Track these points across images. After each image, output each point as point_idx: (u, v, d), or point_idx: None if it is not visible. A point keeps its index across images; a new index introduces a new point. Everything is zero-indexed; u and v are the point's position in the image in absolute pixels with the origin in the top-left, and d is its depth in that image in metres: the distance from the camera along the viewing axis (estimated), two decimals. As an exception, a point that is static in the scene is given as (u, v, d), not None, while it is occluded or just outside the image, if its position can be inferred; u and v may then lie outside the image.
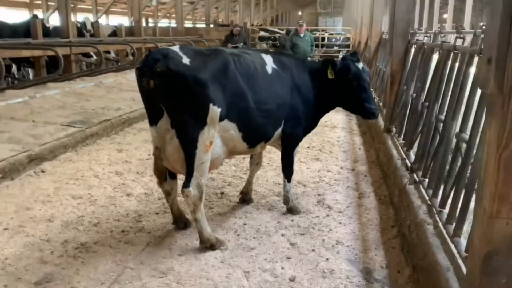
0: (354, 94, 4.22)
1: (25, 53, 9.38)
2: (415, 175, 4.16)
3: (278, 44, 20.18)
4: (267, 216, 4.56)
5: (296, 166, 6.10)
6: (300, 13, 74.39)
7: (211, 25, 22.44)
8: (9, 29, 11.87)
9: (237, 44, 13.48)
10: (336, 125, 9.18)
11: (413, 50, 5.56)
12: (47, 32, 12.08)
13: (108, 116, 8.19)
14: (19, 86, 9.19)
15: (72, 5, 32.92)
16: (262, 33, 23.18)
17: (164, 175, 3.95)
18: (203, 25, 28.19)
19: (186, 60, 3.41)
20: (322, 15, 59.16)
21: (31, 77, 11.53)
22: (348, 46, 22.74)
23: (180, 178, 3.96)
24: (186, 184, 3.60)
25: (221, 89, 3.54)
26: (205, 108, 3.44)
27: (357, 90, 4.19)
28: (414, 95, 4.96)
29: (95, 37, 12.98)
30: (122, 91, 11.27)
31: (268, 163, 6.33)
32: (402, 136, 5.29)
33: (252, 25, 27.26)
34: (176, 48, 3.58)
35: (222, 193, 5.19)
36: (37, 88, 9.67)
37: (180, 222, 4.22)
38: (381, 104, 7.86)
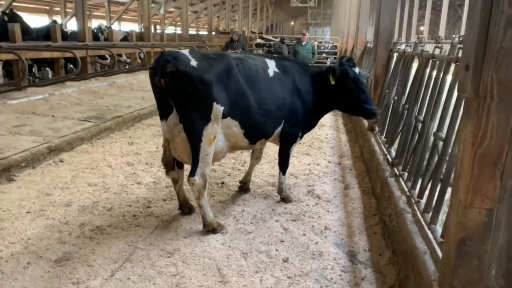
0: (354, 96, 4.17)
1: (46, 54, 9.30)
2: (395, 169, 4.17)
3: (273, 50, 20.15)
4: (263, 204, 4.56)
5: (288, 160, 6.15)
6: (292, 23, 74.39)
7: (213, 33, 22.33)
8: (32, 32, 11.77)
9: (236, 50, 13.45)
10: (325, 124, 9.18)
11: (395, 57, 5.56)
12: (65, 36, 11.99)
13: (120, 112, 8.14)
14: (40, 84, 9.10)
15: (88, 12, 32.78)
16: (258, 40, 23.13)
17: (171, 165, 3.94)
18: (206, 32, 28.10)
19: (193, 63, 3.45)
20: (313, 25, 59.16)
21: (50, 76, 11.45)
22: (335, 53, 22.73)
23: (187, 169, 3.96)
24: (192, 174, 3.62)
25: (224, 89, 3.55)
26: (209, 106, 3.47)
27: (356, 93, 4.15)
28: (396, 97, 4.96)
29: (109, 41, 12.88)
30: (133, 90, 11.21)
31: (263, 156, 6.32)
32: (384, 135, 5.30)
33: (252, 32, 27.13)
34: (185, 51, 3.59)
35: (222, 183, 5.19)
36: (56, 87, 9.59)
37: (186, 208, 4.22)
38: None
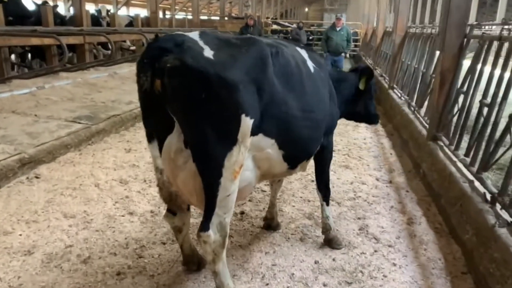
0: (371, 102, 3.76)
1: (34, 40, 8.05)
2: (505, 213, 2.83)
3: (290, 37, 18.73)
4: (301, 251, 3.28)
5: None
6: (306, 9, 72.46)
7: (225, 18, 20.94)
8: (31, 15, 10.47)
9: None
10: (359, 123, 7.80)
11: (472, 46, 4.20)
12: (63, 20, 10.73)
13: (118, 110, 6.89)
14: (26, 75, 7.87)
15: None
16: (274, 27, 21.67)
17: (175, 201, 2.59)
18: (218, 18, 26.68)
19: (208, 53, 2.16)
20: (328, 11, 57.45)
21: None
22: (356, 40, 21.18)
23: (196, 211, 2.68)
24: (204, 226, 2.32)
25: (256, 93, 2.29)
26: (235, 120, 2.20)
27: (372, 99, 3.78)
28: (485, 101, 3.59)
29: (111, 27, 11.61)
30: (136, 82, 9.92)
31: (292, 170, 5.03)
32: (464, 150, 3.94)
33: (268, 18, 25.65)
34: (194, 35, 2.28)
35: (242, 212, 3.91)
36: (47, 78, 8.38)
37: (193, 263, 2.95)
38: (413, 104, 6.48)
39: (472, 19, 21.45)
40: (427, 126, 5.25)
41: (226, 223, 2.39)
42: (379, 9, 12.67)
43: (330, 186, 4.55)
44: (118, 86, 9.16)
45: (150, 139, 2.36)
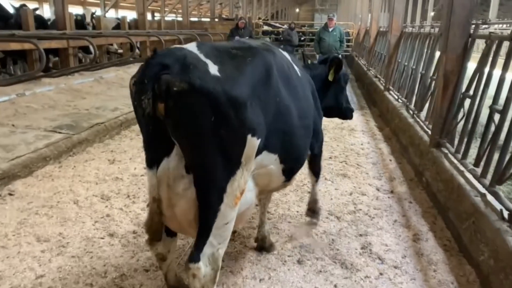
0: (342, 95, 3.69)
1: (9, 45, 7.65)
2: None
3: (282, 38, 18.44)
4: (299, 277, 2.97)
5: (321, 186, 4.54)
6: (297, 10, 72.35)
7: (216, 19, 20.60)
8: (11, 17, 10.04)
9: (243, 38, 11.77)
10: (354, 127, 7.54)
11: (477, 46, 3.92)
12: (45, 24, 10.33)
13: (102, 118, 6.52)
14: (5, 82, 7.48)
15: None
16: (265, 27, 21.37)
17: (159, 233, 2.20)
18: (208, 19, 26.32)
19: (213, 69, 1.93)
20: (319, 12, 57.49)
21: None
22: (348, 40, 20.94)
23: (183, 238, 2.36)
24: (194, 257, 2.03)
25: (261, 109, 2.10)
26: (241, 141, 2.01)
27: (344, 91, 3.72)
28: (496, 107, 3.29)
29: (96, 30, 11.22)
30: (123, 87, 9.55)
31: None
32: (471, 160, 3.65)
33: (259, 18, 25.35)
34: (192, 47, 2.04)
35: (233, 232, 3.58)
36: (29, 84, 7.96)
37: (178, 295, 2.62)
38: (412, 107, 6.20)
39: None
40: (429, 131, 4.96)
41: (219, 255, 2.09)
42: (372, 9, 12.44)
43: (328, 198, 4.29)
44: (104, 92, 8.79)
45: (151, 165, 2.00)
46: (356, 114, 8.74)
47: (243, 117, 1.95)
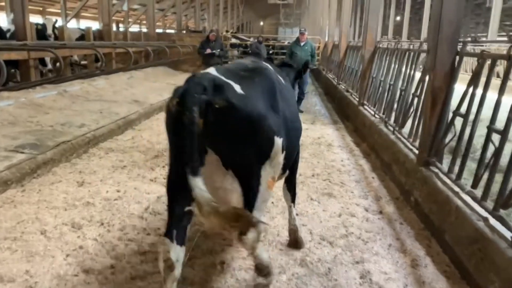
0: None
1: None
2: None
3: (250, 51, 18.34)
4: (300, 314, 2.71)
5: (308, 207, 4.36)
6: (261, 23, 73.12)
7: (183, 31, 20.27)
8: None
9: (214, 51, 11.54)
10: (331, 142, 7.43)
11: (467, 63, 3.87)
12: (2, 35, 9.71)
13: (68, 135, 6.07)
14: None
15: (41, 8, 29.73)
16: (233, 40, 21.23)
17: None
18: (173, 31, 25.94)
19: (238, 88, 2.43)
20: (283, 25, 58.38)
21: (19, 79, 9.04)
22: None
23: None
24: None
25: (276, 116, 2.62)
26: (270, 141, 2.55)
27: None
28: (491, 126, 3.21)
29: (59, 41, 10.66)
30: (88, 101, 9.08)
31: (272, 202, 4.49)
32: (466, 181, 3.55)
33: (227, 31, 25.20)
34: (213, 71, 2.52)
35: (222, 262, 3.31)
36: (-15, 99, 7.39)
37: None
38: (391, 123, 6.14)
39: (404, 37, 21.49)
40: (414, 149, 4.89)
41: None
42: (342, 24, 12.54)
43: (318, 221, 4.08)
44: (68, 106, 8.28)
45: (195, 173, 2.11)
46: (330, 129, 8.72)
47: (267, 123, 2.47)
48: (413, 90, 5.36)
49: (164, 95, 10.82)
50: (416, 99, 5.20)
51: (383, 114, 6.71)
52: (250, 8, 59.17)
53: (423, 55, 5.37)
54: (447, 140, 4.07)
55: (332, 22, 16.94)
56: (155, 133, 7.58)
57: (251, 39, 21.75)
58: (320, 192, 4.94)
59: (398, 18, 33.72)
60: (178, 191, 2.44)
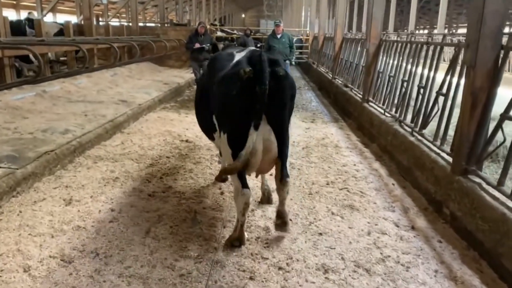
0: None
1: None
2: None
3: (236, 45, 17.70)
4: None
5: (331, 224, 3.87)
6: (243, 15, 72.26)
7: (166, 24, 19.46)
8: None
9: (203, 45, 10.90)
10: (337, 143, 6.93)
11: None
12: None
13: (51, 144, 5.41)
14: None
15: (14, 1, 28.40)
16: (219, 33, 20.53)
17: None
18: (153, 25, 25.03)
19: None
20: (265, 18, 57.86)
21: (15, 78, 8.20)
22: (301, 47, 20.70)
23: None
24: (286, 174, 3.44)
25: None
26: (293, 101, 3.42)
27: None
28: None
29: (37, 37, 9.86)
30: (71, 102, 8.37)
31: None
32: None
33: (212, 24, 24.45)
34: (263, 52, 3.14)
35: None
36: (-46, 103, 6.64)
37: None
38: (408, 123, 5.66)
39: (390, 28, 21.00)
40: (441, 153, 4.43)
41: None
42: (337, 16, 12.02)
43: (346, 243, 3.59)
44: (49, 109, 7.58)
45: (257, 128, 3.02)
46: (333, 128, 8.23)
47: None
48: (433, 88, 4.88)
49: (152, 94, 10.18)
50: (441, 98, 4.72)
51: (396, 112, 6.23)
52: (232, 0, 58.26)
53: (445, 49, 4.86)
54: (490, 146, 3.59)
55: (323, 14, 16.42)
56: (146, 137, 6.96)
57: (235, 31, 21.13)
58: (340, 204, 4.43)
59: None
60: (241, 147, 3.07)
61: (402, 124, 5.86)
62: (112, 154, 5.96)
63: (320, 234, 3.75)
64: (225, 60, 3.49)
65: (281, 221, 3.60)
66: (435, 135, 4.73)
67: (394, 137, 5.77)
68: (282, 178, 3.39)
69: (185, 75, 14.69)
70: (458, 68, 4.53)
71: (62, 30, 12.33)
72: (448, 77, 4.64)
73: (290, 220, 4.00)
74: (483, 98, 3.63)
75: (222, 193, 4.65)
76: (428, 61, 5.32)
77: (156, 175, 5.15)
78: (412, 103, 5.85)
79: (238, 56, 3.42)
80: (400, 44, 6.60)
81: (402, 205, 4.43)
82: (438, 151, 4.56)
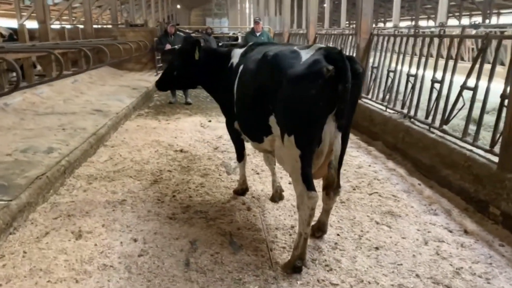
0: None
1: None
2: None
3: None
4: None
5: (382, 235, 3.59)
6: (189, 13, 71.03)
7: (120, 25, 18.41)
8: None
9: (175, 46, 10.29)
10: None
11: None
12: None
13: (38, 166, 4.72)
14: None
15: None
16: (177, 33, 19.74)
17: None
18: (104, 26, 23.66)
19: None
20: (212, 16, 57.51)
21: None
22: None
23: None
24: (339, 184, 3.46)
25: None
26: None
27: None
28: None
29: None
30: (39, 115, 7.52)
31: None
32: None
33: (166, 23, 23.50)
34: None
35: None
36: None
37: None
38: (427, 121, 5.51)
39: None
40: (473, 149, 4.28)
41: None
42: (309, 12, 11.79)
43: (407, 254, 3.31)
44: (18, 125, 6.74)
45: (341, 128, 2.93)
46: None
47: None
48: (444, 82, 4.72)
49: (125, 101, 9.47)
50: (464, 92, 4.58)
51: (402, 108, 6.07)
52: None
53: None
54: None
55: (287, 11, 16.25)
56: (134, 149, 6.36)
57: (187, 31, 20.45)
58: (378, 211, 4.16)
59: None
60: (312, 148, 2.99)
61: (413, 120, 5.70)
62: (105, 172, 5.34)
63: (377, 248, 3.44)
64: (289, 58, 3.08)
65: (322, 233, 3.58)
66: (463, 132, 4.58)
67: (407, 134, 5.60)
68: (337, 186, 3.33)
69: (149, 78, 13.92)
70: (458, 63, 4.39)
71: (12, 35, 11.20)
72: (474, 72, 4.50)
73: (338, 235, 3.68)
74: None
75: (249, 209, 4.23)
76: (429, 55, 5.17)
77: (167, 193, 4.63)
78: (418, 98, 5.72)
79: (307, 53, 3.03)
80: (400, 38, 6.45)
81: (442, 207, 4.23)
82: (470, 147, 4.41)
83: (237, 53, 4.03)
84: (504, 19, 33.42)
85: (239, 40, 19.70)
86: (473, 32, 6.35)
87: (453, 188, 4.47)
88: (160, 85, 4.58)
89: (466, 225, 3.84)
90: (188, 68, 4.29)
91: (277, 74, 3.10)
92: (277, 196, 4.38)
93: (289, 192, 4.56)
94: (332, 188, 3.24)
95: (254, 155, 5.88)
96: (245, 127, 3.84)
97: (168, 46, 10.16)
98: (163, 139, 6.98)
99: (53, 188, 4.61)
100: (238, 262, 3.23)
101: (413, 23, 39.18)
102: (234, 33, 22.65)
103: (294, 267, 3.07)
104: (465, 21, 38.89)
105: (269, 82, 3.21)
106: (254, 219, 4.02)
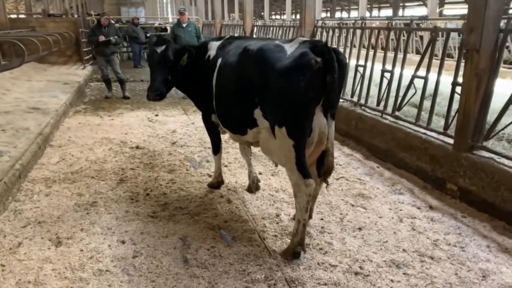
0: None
1: None
2: None
3: (126, 36, 16.37)
4: None
5: (362, 217, 3.88)
6: (102, 1, 67.30)
7: (38, 16, 16.99)
8: None
9: (110, 38, 9.80)
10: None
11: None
12: None
13: (-8, 172, 4.32)
14: None
15: None
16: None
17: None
18: (18, 16, 21.67)
19: None
20: (127, 5, 55.33)
21: None
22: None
23: None
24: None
25: None
26: None
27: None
28: None
29: None
30: (-32, 115, 6.79)
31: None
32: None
33: (88, 14, 22.14)
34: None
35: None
36: None
37: None
38: (379, 107, 5.89)
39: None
40: (427, 132, 4.71)
41: None
42: (245, 3, 11.81)
43: (390, 232, 3.60)
44: None
45: (334, 117, 3.24)
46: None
47: None
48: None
49: (60, 97, 8.84)
50: (414, 80, 5.01)
51: (352, 97, 6.44)
52: (89, -15, 53.70)
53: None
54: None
55: (218, 2, 16.15)
56: (85, 148, 6.05)
57: (118, 22, 19.53)
58: (350, 194, 4.44)
59: None
60: (304, 137, 3.07)
61: (364, 108, 6.08)
62: (61, 173, 5.03)
63: (360, 229, 3.69)
64: (274, 52, 3.13)
65: (309, 218, 3.60)
66: (416, 117, 5.00)
67: (360, 121, 5.96)
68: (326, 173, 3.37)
69: (78, 72, 13.11)
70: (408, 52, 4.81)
71: None
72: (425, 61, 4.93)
73: (322, 219, 3.87)
74: (485, 80, 3.92)
75: (229, 202, 4.27)
76: (377, 46, 5.57)
77: (139, 192, 4.50)
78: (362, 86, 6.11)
79: (291, 47, 3.10)
80: (346, 30, 6.80)
81: (404, 187, 4.62)
82: (424, 131, 4.84)
83: (214, 45, 4.02)
84: (409, 12, 36.22)
85: (168, 31, 19.18)
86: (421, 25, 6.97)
87: (411, 168, 4.89)
88: (162, 94, 4.12)
89: (429, 201, 4.25)
90: (172, 69, 4.09)
91: (263, 68, 3.15)
92: (254, 187, 4.44)
93: (264, 182, 4.68)
94: (330, 174, 3.37)
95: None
96: (226, 120, 3.84)
97: (102, 38, 9.63)
98: (113, 136, 6.69)
99: (11, 195, 4.25)
100: (237, 254, 3.28)
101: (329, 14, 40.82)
102: (160, 24, 21.98)
103: (294, 253, 3.19)
104: (375, 13, 41.59)
105: (255, 76, 3.24)
106: (237, 210, 4.07)
